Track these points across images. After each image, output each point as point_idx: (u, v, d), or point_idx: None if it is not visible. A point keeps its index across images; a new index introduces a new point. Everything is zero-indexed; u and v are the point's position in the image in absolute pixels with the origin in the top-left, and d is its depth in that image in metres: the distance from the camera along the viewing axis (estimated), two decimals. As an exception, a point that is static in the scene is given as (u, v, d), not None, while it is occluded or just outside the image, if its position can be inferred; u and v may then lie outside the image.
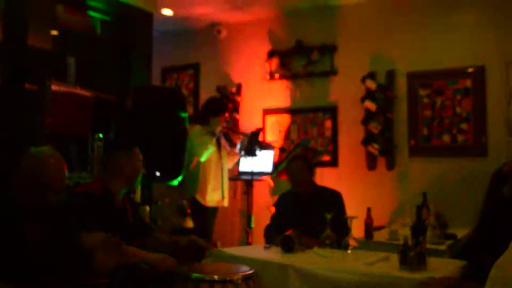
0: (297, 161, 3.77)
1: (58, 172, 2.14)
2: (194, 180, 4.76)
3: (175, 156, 3.98)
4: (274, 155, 5.37)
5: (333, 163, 5.31)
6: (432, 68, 4.88)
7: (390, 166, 4.99)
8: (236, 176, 5.35)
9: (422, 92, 4.92)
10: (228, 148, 5.07)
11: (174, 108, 4.04)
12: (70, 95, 5.05)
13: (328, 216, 3.18)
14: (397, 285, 2.48)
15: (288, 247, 3.07)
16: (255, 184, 5.34)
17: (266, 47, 5.78)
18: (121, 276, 2.45)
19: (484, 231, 2.86)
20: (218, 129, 4.82)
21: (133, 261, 2.64)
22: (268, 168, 5.25)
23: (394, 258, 2.78)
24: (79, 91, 5.17)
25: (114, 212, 2.70)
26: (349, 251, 3.10)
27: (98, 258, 2.13)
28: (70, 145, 4.37)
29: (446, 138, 4.79)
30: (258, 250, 3.24)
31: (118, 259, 2.44)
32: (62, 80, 5.18)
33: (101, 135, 4.23)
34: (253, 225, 5.04)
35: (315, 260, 2.89)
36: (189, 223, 5.07)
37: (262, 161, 5.22)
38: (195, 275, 2.58)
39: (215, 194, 4.82)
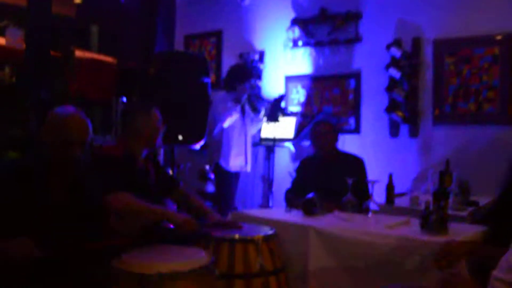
0: (322, 124, 3.77)
1: (81, 126, 2.17)
2: (218, 145, 4.80)
3: (197, 120, 4.01)
4: (296, 121, 5.37)
5: (356, 130, 5.28)
6: (460, 35, 4.78)
7: (414, 133, 4.94)
8: (258, 142, 5.37)
9: (449, 60, 4.83)
10: (251, 114, 5.09)
11: (197, 73, 4.06)
12: (94, 62, 5.11)
13: (350, 181, 3.19)
14: (417, 248, 2.49)
15: (309, 210, 3.10)
16: (277, 150, 5.36)
17: (290, 15, 5.71)
18: (145, 236, 2.51)
19: (508, 198, 2.84)
20: (244, 96, 4.84)
21: (157, 220, 2.69)
22: (290, 134, 5.25)
23: (415, 222, 2.79)
24: (102, 57, 5.23)
25: (136, 173, 2.75)
26: (369, 215, 3.12)
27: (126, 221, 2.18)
28: (95, 109, 4.45)
29: (472, 106, 4.71)
30: (279, 213, 3.28)
31: (143, 222, 2.51)
32: (85, 47, 5.24)
33: (125, 100, 4.29)
34: (274, 188, 5.09)
35: (336, 222, 2.91)
36: (211, 188, 5.14)
37: (284, 128, 5.23)
38: (217, 235, 2.63)
39: (238, 160, 4.87)
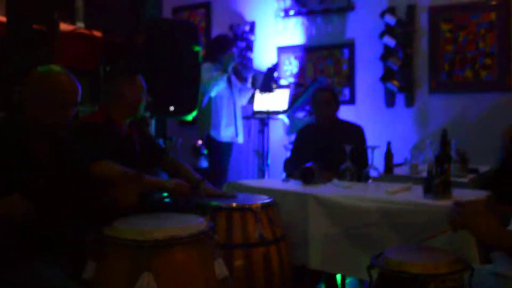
0: (324, 92, 3.64)
1: (74, 86, 2.03)
2: (207, 116, 4.69)
3: (189, 89, 3.88)
4: (290, 93, 5.24)
5: (351, 101, 5.17)
6: (455, 1, 4.66)
7: (410, 103, 4.84)
8: (251, 115, 5.25)
9: (444, 27, 4.72)
10: (239, 84, 4.98)
11: (187, 41, 3.92)
12: (79, 36, 4.95)
13: (348, 148, 3.09)
14: (420, 213, 2.41)
15: (308, 179, 3.00)
16: (271, 123, 5.25)
17: (281, -16, 5.57)
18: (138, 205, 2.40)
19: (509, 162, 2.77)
20: (231, 64, 4.71)
21: (148, 189, 2.58)
22: (284, 106, 5.13)
23: (417, 188, 2.71)
24: (88, 31, 5.08)
25: (119, 140, 2.62)
26: (369, 182, 3.03)
27: (120, 193, 2.06)
28: (81, 80, 4.30)
29: (469, 73, 4.62)
30: (276, 182, 3.18)
31: (138, 192, 2.38)
32: (71, 21, 5.07)
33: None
34: (269, 162, 4.99)
35: (335, 190, 2.82)
36: (204, 163, 5.02)
37: (278, 100, 5.10)
38: (213, 203, 2.53)
39: (229, 130, 4.77)
